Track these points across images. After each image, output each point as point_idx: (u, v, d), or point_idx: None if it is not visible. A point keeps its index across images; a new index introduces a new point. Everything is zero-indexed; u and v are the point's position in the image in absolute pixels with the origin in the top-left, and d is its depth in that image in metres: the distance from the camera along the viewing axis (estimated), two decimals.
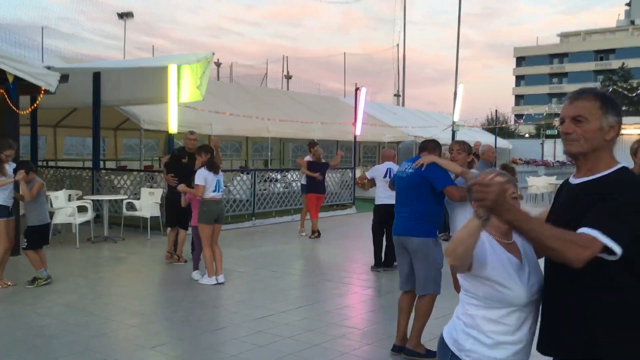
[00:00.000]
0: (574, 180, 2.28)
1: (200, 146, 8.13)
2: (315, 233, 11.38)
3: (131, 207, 11.20)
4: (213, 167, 7.47)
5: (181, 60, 10.76)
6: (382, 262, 8.58)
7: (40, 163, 14.60)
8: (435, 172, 4.93)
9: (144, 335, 5.55)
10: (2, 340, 5.25)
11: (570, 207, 2.22)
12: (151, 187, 12.01)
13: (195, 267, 7.81)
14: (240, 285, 7.62)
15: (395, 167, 8.60)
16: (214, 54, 10.65)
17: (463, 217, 4.71)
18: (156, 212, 11.14)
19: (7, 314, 6.11)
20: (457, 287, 2.04)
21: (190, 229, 8.31)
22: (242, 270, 8.41)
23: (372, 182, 8.82)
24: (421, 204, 4.97)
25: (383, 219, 8.41)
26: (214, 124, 14.56)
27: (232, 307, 6.53)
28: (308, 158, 11.73)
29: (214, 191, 7.45)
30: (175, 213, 8.64)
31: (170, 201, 8.75)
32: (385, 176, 8.50)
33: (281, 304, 6.62)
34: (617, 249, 2.01)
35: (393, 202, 8.17)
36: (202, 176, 7.34)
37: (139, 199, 11.58)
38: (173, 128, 10.78)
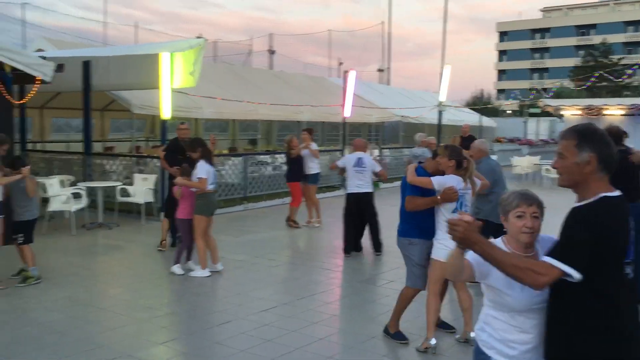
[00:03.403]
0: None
1: (193, 139, 8.08)
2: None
3: (124, 192, 11.24)
4: (211, 159, 7.54)
5: (173, 48, 10.73)
6: (354, 247, 8.81)
7: (30, 146, 14.52)
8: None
9: (153, 330, 5.66)
10: (5, 337, 5.32)
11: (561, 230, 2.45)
12: (142, 171, 12.03)
13: (177, 261, 7.58)
14: (239, 275, 7.69)
15: (365, 157, 8.71)
16: (206, 40, 10.63)
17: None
18: (150, 198, 11.20)
19: (10, 307, 6.16)
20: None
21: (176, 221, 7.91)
22: (240, 258, 8.53)
23: (343, 170, 8.90)
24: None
25: (353, 206, 8.73)
26: (204, 107, 14.54)
27: (235, 299, 6.62)
28: (314, 146, 11.11)
29: (211, 183, 7.53)
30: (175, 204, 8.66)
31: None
32: (355, 165, 8.66)
33: (283, 295, 6.79)
34: (575, 274, 2.24)
35: (363, 190, 8.85)
36: (205, 169, 7.39)
37: (131, 183, 11.63)
38: (167, 114, 10.78)
